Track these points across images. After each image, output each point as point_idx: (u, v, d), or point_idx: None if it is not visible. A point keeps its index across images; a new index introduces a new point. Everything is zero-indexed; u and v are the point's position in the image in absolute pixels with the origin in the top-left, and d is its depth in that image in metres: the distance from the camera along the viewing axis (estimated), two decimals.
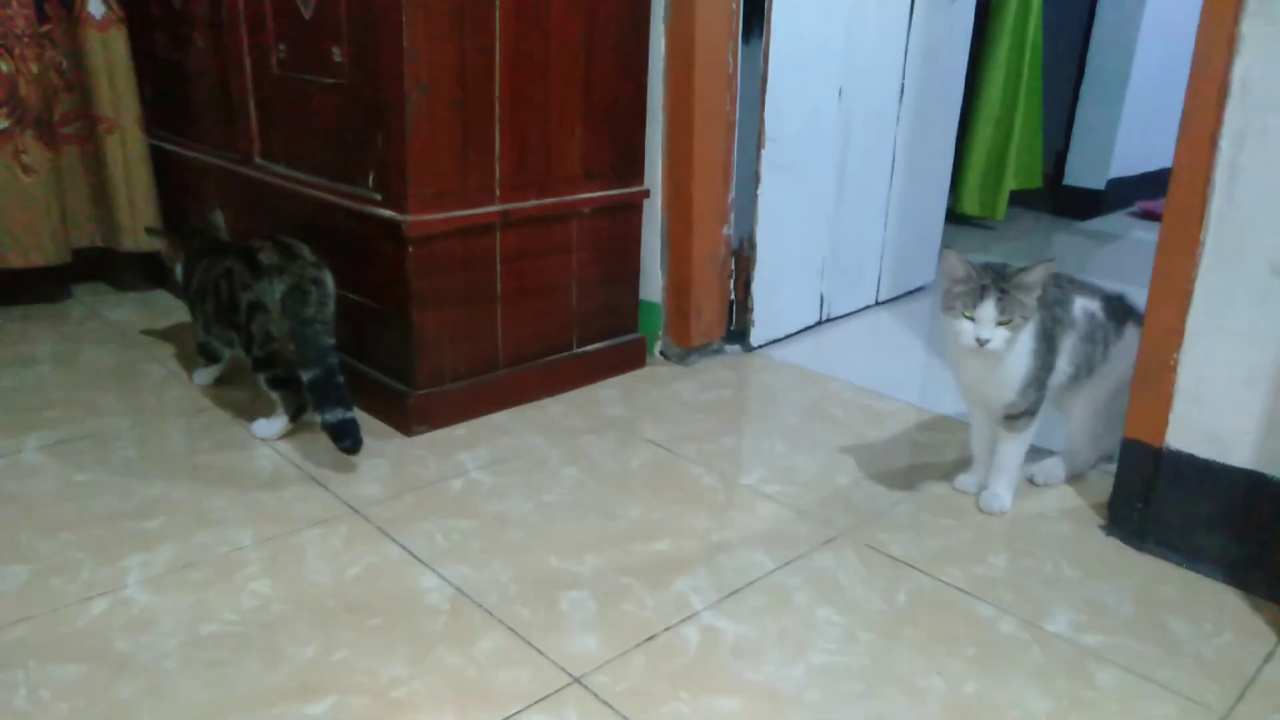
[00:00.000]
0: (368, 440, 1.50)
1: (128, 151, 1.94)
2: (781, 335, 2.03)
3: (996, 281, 1.22)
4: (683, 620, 1.10)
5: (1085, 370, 1.35)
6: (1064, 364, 1.34)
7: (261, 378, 1.48)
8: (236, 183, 1.85)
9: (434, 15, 1.39)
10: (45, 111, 1.86)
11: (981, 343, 1.22)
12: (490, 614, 1.10)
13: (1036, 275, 1.22)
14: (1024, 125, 3.22)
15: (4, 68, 1.77)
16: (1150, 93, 3.31)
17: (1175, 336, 1.23)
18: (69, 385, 1.69)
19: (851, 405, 1.74)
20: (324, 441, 1.43)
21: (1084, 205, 3.54)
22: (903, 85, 2.13)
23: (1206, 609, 1.17)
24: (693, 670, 1.02)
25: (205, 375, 1.69)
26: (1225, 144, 1.14)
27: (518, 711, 0.95)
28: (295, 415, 1.49)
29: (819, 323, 2.13)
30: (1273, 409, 1.17)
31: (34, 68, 1.81)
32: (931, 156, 2.33)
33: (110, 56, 1.87)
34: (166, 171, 2.05)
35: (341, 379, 1.39)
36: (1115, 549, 1.30)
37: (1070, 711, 0.98)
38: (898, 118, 2.15)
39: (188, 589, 1.13)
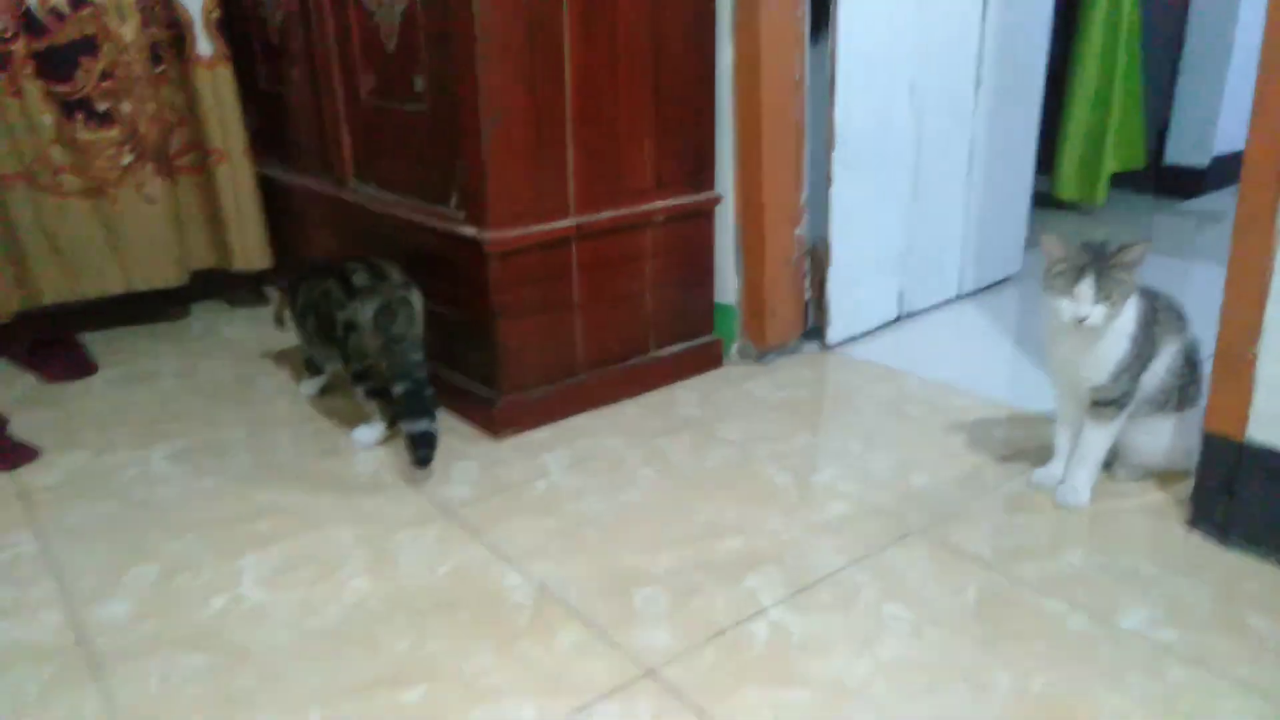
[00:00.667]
0: (457, 444, 1.59)
1: (237, 180, 2.09)
2: (859, 332, 2.04)
3: (1095, 260, 1.23)
4: (752, 616, 1.15)
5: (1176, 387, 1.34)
6: (1161, 369, 1.33)
7: (359, 389, 1.58)
8: (333, 205, 1.97)
9: (507, 45, 1.47)
10: (162, 146, 2.02)
11: (1080, 320, 1.24)
12: (570, 608, 1.17)
13: (1134, 255, 1.23)
14: (1123, 105, 3.11)
15: (126, 109, 1.94)
16: (1254, 66, 3.15)
17: (1254, 327, 1.20)
18: (190, 398, 1.84)
19: (929, 402, 1.74)
20: None
21: (1187, 184, 3.40)
22: (979, 76, 2.11)
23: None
24: (762, 663, 1.07)
25: (310, 386, 1.82)
26: None
27: (593, 701, 1.02)
28: (391, 423, 1.60)
29: (898, 318, 2.13)
30: None
31: (151, 106, 1.97)
32: (1014, 145, 2.30)
33: (219, 92, 2.02)
34: (270, 197, 2.20)
35: (430, 392, 1.48)
36: (1196, 545, 1.28)
37: (1139, 707, 0.99)
38: (974, 108, 2.13)
39: (296, 587, 1.23)
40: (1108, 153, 3.11)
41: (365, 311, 1.50)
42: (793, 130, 1.81)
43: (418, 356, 1.50)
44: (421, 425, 1.46)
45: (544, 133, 1.55)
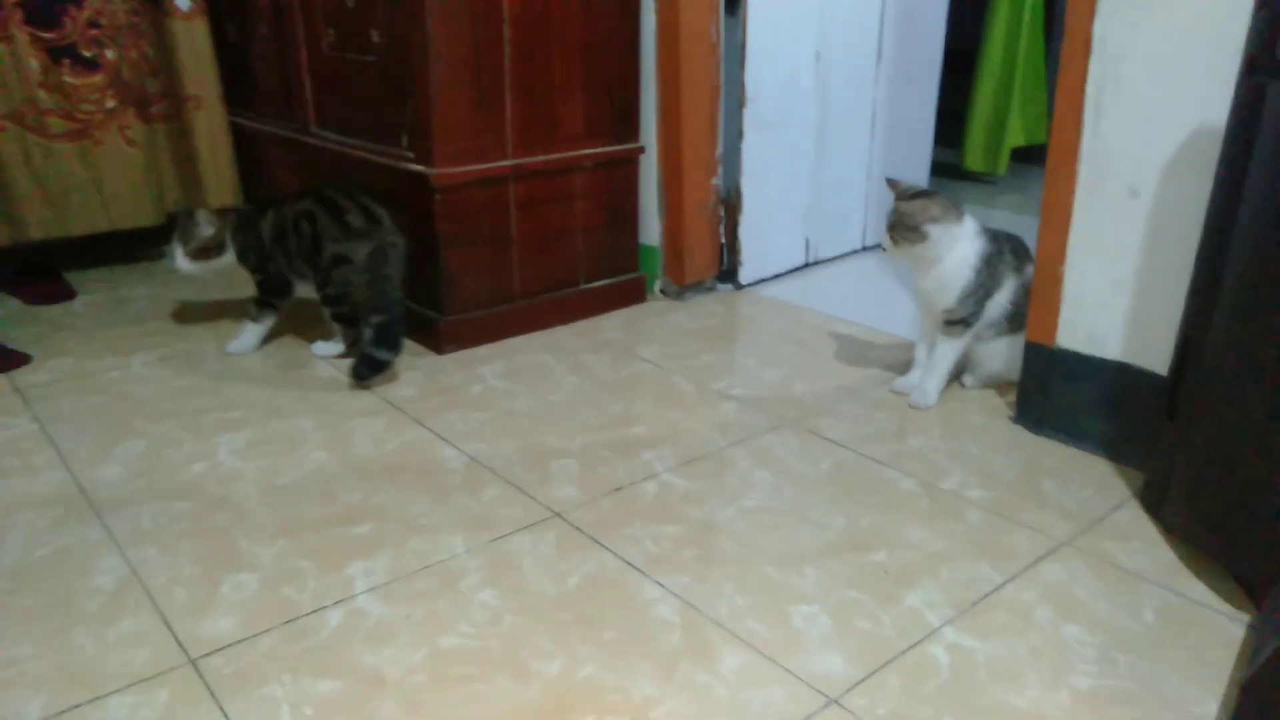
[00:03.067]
0: (406, 357, 1.82)
1: (211, 125, 2.28)
2: (769, 275, 2.30)
3: (892, 213, 1.55)
4: (645, 478, 1.40)
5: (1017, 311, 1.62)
6: (1004, 299, 1.60)
7: (328, 311, 1.79)
8: (297, 149, 2.18)
9: (450, 1, 1.69)
10: (143, 92, 2.21)
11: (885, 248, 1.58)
12: (496, 473, 1.41)
13: (914, 206, 1.51)
14: (1025, 83, 3.40)
15: (110, 55, 2.12)
16: None
17: (1060, 252, 1.47)
18: (163, 320, 2.04)
19: (821, 330, 2.01)
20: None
21: None
22: (880, 49, 2.37)
23: (1078, 474, 1.42)
24: (648, 509, 1.32)
25: (243, 343, 1.88)
26: (1091, 89, 1.38)
27: (510, 533, 1.26)
28: (351, 345, 1.81)
29: (806, 265, 2.40)
30: (1134, 310, 1.41)
31: (133, 54, 2.15)
32: (913, 114, 2.56)
33: (195, 43, 2.20)
34: (239, 143, 2.39)
35: (402, 326, 1.71)
36: (1016, 433, 1.56)
37: (937, 538, 1.26)
38: (876, 78, 2.39)
39: (264, 458, 1.46)
40: (1011, 127, 3.40)
41: (359, 251, 1.70)
42: (708, 90, 2.06)
43: (397, 294, 1.71)
44: (384, 354, 1.68)
45: (484, 80, 1.78)
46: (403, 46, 1.76)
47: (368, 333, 1.70)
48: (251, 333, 1.87)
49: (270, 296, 1.87)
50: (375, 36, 1.82)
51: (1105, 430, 1.47)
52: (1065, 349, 1.50)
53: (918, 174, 2.66)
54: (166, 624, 1.08)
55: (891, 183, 1.59)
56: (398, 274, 1.72)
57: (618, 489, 1.38)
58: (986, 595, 1.14)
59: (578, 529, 1.27)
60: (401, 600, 1.13)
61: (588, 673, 1.01)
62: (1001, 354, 1.65)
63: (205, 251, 1.84)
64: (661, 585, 1.16)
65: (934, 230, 1.54)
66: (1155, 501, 1.30)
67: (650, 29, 2.01)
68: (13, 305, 2.13)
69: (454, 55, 1.72)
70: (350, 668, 1.02)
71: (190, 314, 2.08)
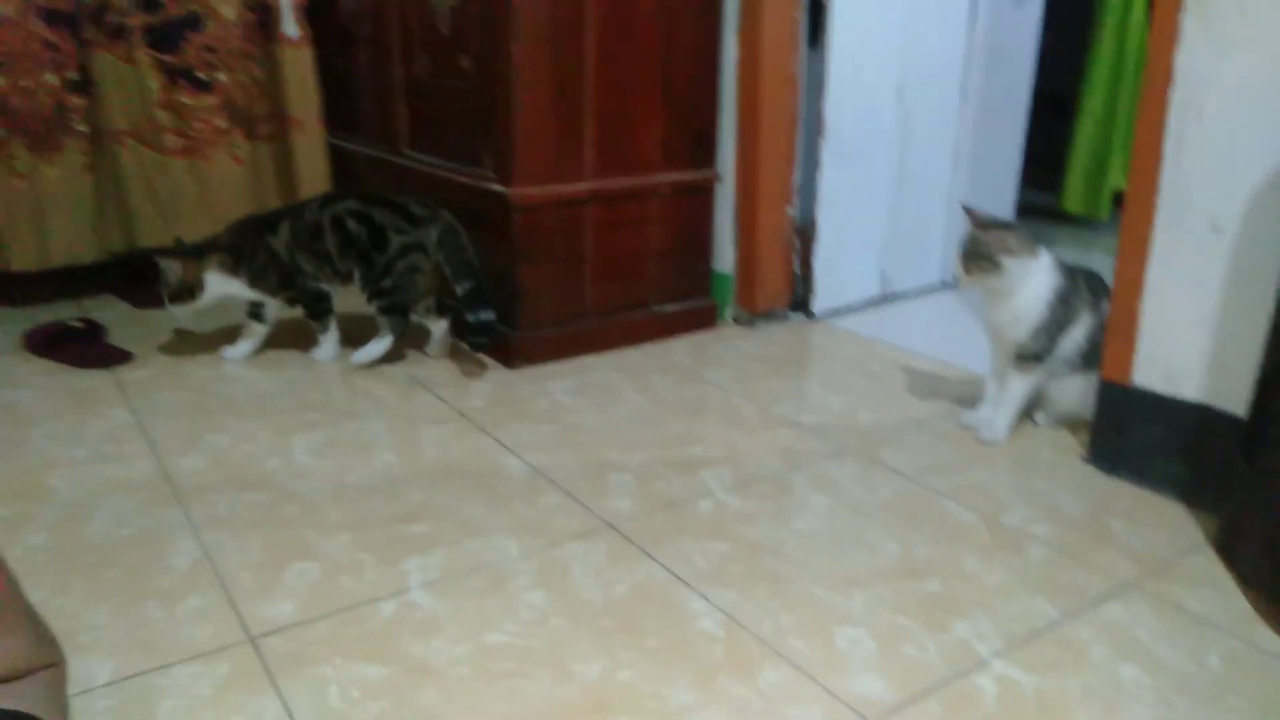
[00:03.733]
0: (477, 369, 1.88)
1: (311, 146, 2.41)
2: (843, 306, 2.29)
3: (964, 242, 1.52)
4: (701, 495, 1.41)
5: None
6: (1079, 335, 1.56)
7: (376, 304, 1.86)
8: (388, 169, 2.28)
9: (537, 30, 1.76)
10: (251, 113, 2.35)
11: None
12: (555, 483, 1.44)
13: (991, 236, 1.49)
14: (1128, 126, 3.31)
15: (223, 78, 2.27)
16: None
17: (1138, 287, 1.44)
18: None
19: (892, 362, 1.99)
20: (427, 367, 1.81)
21: None
22: (965, 86, 2.35)
23: (1150, 517, 1.37)
24: (700, 526, 1.33)
25: (239, 350, 1.94)
26: (1172, 120, 1.35)
27: (563, 540, 1.28)
28: (398, 336, 1.88)
29: (883, 298, 2.38)
30: (1214, 349, 1.36)
31: (243, 78, 2.30)
32: (999, 153, 2.53)
33: (300, 69, 2.34)
34: (336, 163, 2.51)
35: (489, 288, 1.80)
36: (1087, 472, 1.51)
37: (993, 571, 1.23)
38: (960, 115, 2.37)
39: (336, 457, 1.52)
40: (1113, 169, 3.31)
41: (431, 235, 1.81)
42: (787, 120, 2.08)
43: (477, 261, 1.82)
44: (485, 315, 1.79)
45: (566, 106, 1.84)
46: (490, 72, 1.83)
47: (462, 300, 1.80)
48: (330, 341, 1.96)
49: (313, 305, 1.93)
50: (465, 62, 1.91)
51: (1181, 473, 1.42)
52: (1141, 387, 1.46)
53: (1002, 213, 2.62)
54: (231, 604, 1.14)
55: (969, 210, 1.58)
56: (470, 245, 1.82)
57: (672, 505, 1.39)
58: (1040, 630, 1.11)
59: (629, 540, 1.29)
60: (453, 596, 1.16)
61: (626, 677, 1.02)
62: (1076, 391, 1.61)
63: (180, 295, 1.86)
64: (707, 599, 1.16)
65: (1009, 263, 1.51)
66: (1230, 548, 1.24)
67: (731, 59, 2.05)
68: (122, 308, 2.27)
69: (538, 81, 1.79)
70: (398, 656, 1.05)
71: (279, 322, 2.18)
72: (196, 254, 1.88)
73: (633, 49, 1.90)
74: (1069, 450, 1.59)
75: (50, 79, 2.12)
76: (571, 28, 1.81)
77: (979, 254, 1.52)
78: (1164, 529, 1.34)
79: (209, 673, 1.02)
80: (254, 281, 1.89)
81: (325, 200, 1.90)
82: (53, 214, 2.18)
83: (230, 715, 0.96)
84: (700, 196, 2.10)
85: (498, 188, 1.85)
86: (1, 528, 1.30)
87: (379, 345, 1.89)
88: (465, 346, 1.97)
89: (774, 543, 1.29)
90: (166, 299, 1.87)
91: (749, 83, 2.03)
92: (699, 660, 1.05)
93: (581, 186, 1.90)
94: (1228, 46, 1.28)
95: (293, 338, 2.06)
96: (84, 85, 2.16)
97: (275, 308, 1.95)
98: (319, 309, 1.94)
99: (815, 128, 2.11)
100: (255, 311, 1.94)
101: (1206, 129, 1.32)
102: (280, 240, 1.88)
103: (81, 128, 2.18)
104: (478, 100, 1.90)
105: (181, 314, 1.91)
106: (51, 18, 2.09)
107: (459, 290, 1.80)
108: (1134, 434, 1.47)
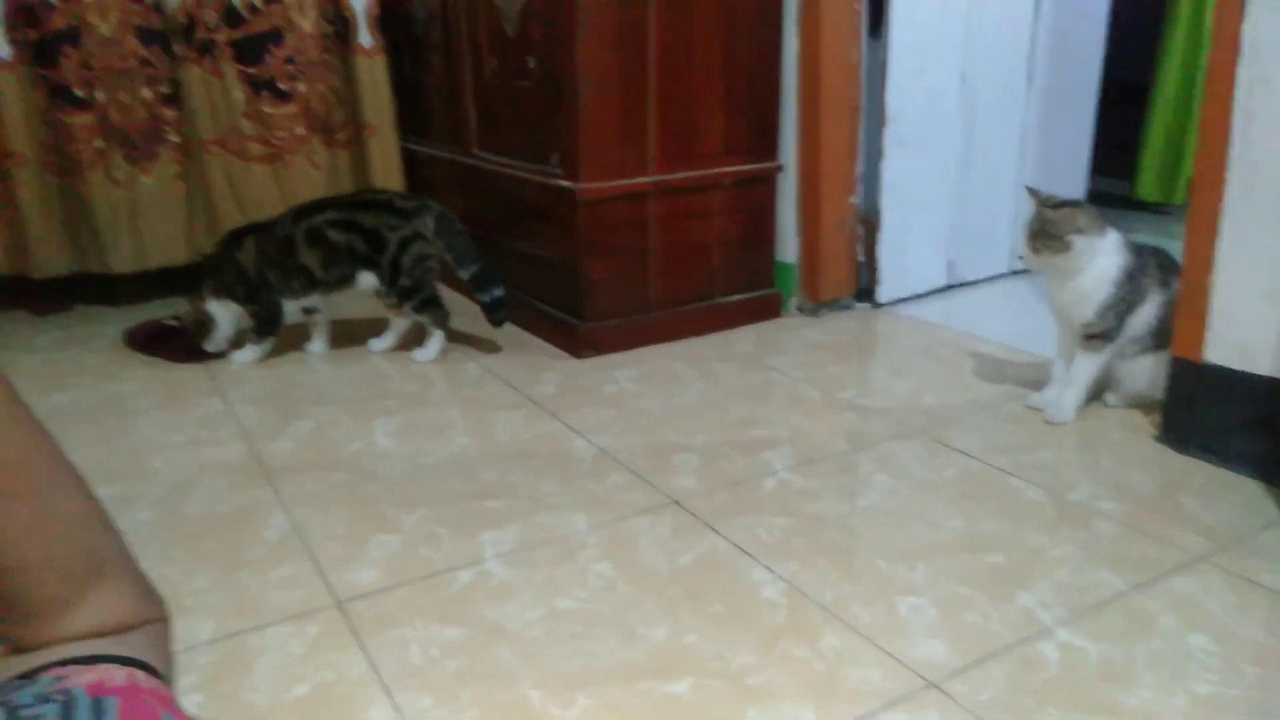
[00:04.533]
0: (546, 360, 1.93)
1: (384, 150, 2.51)
2: (908, 295, 2.29)
3: (1033, 221, 1.52)
4: (764, 474, 1.44)
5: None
6: (1149, 314, 1.55)
7: (409, 305, 1.93)
8: (458, 170, 2.36)
9: (601, 29, 1.81)
10: (328, 120, 2.46)
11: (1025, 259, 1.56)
12: (620, 463, 1.49)
13: (1059, 215, 1.48)
14: None
15: (302, 88, 2.38)
16: None
17: (1208, 263, 1.42)
18: (333, 319, 2.25)
19: (958, 347, 1.98)
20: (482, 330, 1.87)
21: None
22: (1030, 72, 2.33)
23: (1224, 493, 1.35)
24: (762, 502, 1.35)
25: (249, 353, 1.98)
26: (1240, 94, 1.33)
27: (627, 515, 1.33)
28: (445, 326, 1.95)
29: (948, 286, 2.37)
30: None
31: (321, 87, 2.41)
32: (1067, 139, 2.50)
33: (375, 77, 2.44)
34: (409, 166, 2.61)
35: (489, 268, 1.88)
36: (1158, 451, 1.49)
37: (1058, 544, 1.23)
38: (1026, 102, 2.35)
39: (413, 440, 1.59)
40: (1188, 156, 3.23)
41: (427, 223, 1.88)
42: (849, 110, 2.09)
43: (473, 245, 1.90)
44: (496, 291, 1.86)
45: (629, 102, 1.89)
46: (556, 71, 1.89)
47: (471, 283, 1.88)
48: (258, 350, 1.97)
49: (265, 320, 1.95)
50: (532, 63, 1.97)
51: (1255, 449, 1.39)
52: (1213, 364, 1.44)
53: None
54: (320, 572, 1.21)
55: (1032, 191, 1.57)
56: (465, 230, 1.90)
57: (736, 483, 1.42)
58: (1107, 601, 1.11)
59: (694, 515, 1.33)
60: (525, 566, 1.21)
61: (691, 640, 1.06)
62: (1146, 371, 1.59)
63: (201, 332, 1.94)
64: (770, 569, 1.19)
65: (1078, 241, 1.50)
66: None
67: (792, 50, 2.08)
68: None
69: (602, 78, 1.84)
70: (474, 619, 1.10)
71: (358, 318, 2.28)
72: (196, 291, 1.95)
73: (694, 43, 1.94)
74: (1140, 430, 1.57)
75: (145, 93, 2.26)
76: (635, 25, 1.86)
77: (1047, 233, 1.51)
78: (1237, 505, 1.32)
79: (300, 633, 1.09)
80: (220, 294, 1.92)
81: (299, 213, 1.91)
82: (148, 219, 2.32)
83: (321, 670, 1.02)
84: (763, 187, 2.13)
85: (565, 183, 1.91)
86: (112, 504, 1.38)
87: (434, 341, 1.96)
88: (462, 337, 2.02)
89: (837, 518, 1.31)
90: (199, 342, 1.95)
91: (810, 73, 2.06)
92: (761, 626, 1.08)
93: (645, 180, 1.94)
94: None
95: (369, 332, 2.15)
96: (175, 98, 2.29)
97: (321, 301, 2.00)
98: (268, 326, 1.95)
99: (878, 117, 2.12)
100: (307, 310, 2.01)
101: (1275, 101, 1.30)
102: (246, 255, 1.90)
103: (173, 138, 2.31)
104: (544, 99, 1.96)
105: (221, 342, 1.96)
106: (146, 35, 2.23)
107: (465, 275, 1.88)
108: (1206, 411, 1.45)
